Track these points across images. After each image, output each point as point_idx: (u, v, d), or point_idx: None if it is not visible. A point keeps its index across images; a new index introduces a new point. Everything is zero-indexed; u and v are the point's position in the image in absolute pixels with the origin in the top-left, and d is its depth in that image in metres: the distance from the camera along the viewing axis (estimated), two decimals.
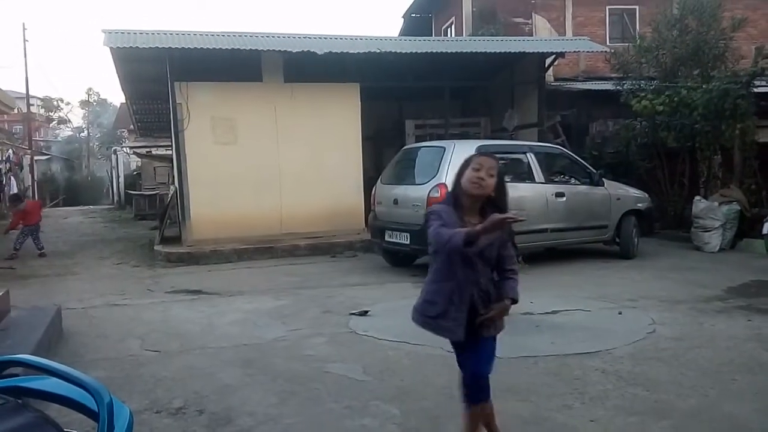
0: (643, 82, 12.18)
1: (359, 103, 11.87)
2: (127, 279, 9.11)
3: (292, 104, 11.49)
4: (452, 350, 4.83)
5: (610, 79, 13.68)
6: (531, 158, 8.97)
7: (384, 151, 14.22)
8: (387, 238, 8.83)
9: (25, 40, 32.31)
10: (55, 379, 1.62)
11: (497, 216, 2.71)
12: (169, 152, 18.31)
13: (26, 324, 5.29)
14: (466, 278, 2.90)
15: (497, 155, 3.14)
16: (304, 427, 3.67)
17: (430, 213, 3.00)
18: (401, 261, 9.18)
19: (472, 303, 2.92)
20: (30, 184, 26.12)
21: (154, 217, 17.51)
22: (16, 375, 1.75)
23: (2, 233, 12.24)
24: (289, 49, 10.87)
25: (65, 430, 1.46)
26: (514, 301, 3.00)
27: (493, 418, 3.16)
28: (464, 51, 11.91)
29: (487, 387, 3.05)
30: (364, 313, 6.34)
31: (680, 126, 11.24)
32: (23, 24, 62.60)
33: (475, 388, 3.03)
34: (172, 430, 3.66)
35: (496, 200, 2.95)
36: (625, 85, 12.38)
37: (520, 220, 2.80)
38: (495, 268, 3.01)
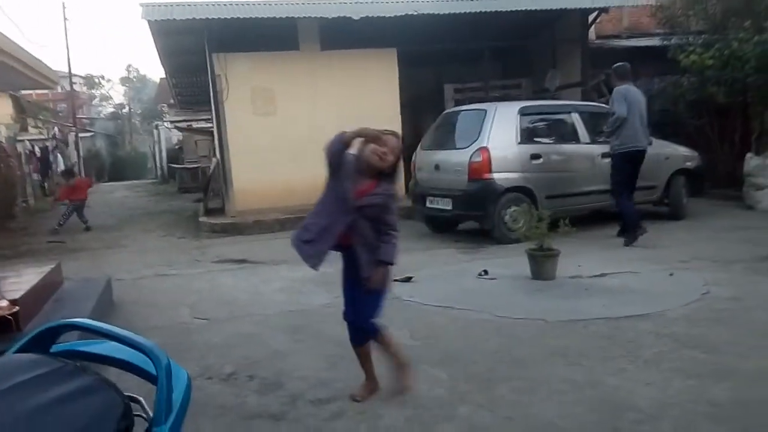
0: (690, 36, 11.69)
1: (397, 68, 11.73)
2: (174, 250, 9.27)
3: (330, 72, 11.41)
4: (501, 315, 4.79)
5: (656, 35, 13.18)
6: (576, 118, 8.74)
7: (423, 117, 14.03)
8: (428, 204, 8.76)
9: (65, 19, 32.84)
10: (112, 343, 1.62)
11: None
12: (210, 125, 18.45)
13: (79, 295, 5.42)
14: (340, 222, 3.28)
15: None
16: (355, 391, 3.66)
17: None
18: (443, 227, 9.12)
19: (351, 245, 3.32)
20: (76, 160, 26.72)
21: (197, 190, 17.77)
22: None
23: (52, 201, 12.68)
24: (324, 15, 10.75)
25: (125, 393, 1.46)
26: (388, 263, 3.36)
27: (388, 348, 3.55)
28: (504, 9, 11.59)
29: (364, 332, 3.50)
30: (408, 279, 6.31)
31: (731, 80, 10.77)
32: (63, 3, 63.51)
33: (354, 331, 3.52)
34: (224, 396, 3.71)
35: (391, 174, 3.36)
36: (672, 40, 11.90)
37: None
38: (379, 229, 3.34)
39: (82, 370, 1.45)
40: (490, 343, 4.33)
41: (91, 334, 1.58)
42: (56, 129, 24.27)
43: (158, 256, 8.80)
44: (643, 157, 7.73)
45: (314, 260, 3.35)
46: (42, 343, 1.58)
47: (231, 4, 11.14)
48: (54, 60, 74.18)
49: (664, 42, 12.10)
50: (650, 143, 7.89)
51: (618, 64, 7.96)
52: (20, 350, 1.55)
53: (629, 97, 7.46)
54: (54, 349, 1.63)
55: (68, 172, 13.91)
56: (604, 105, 10.51)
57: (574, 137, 8.66)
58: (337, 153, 3.24)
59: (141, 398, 1.53)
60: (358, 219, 3.29)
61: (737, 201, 10.25)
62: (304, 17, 10.88)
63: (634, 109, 7.44)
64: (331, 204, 3.32)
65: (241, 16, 10.47)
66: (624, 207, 7.75)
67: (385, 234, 3.34)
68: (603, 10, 12.77)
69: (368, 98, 11.49)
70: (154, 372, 1.49)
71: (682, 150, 9.71)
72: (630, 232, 7.62)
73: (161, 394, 1.42)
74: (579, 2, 12.69)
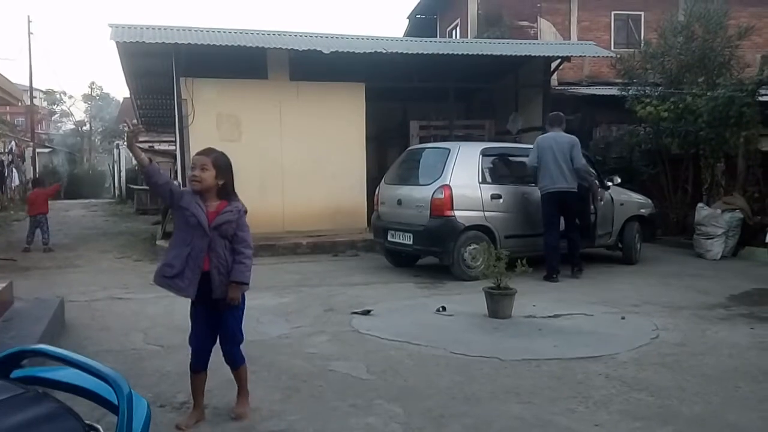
0: (648, 88, 12.18)
1: (364, 102, 11.88)
2: (130, 273, 9.12)
3: (297, 102, 11.49)
4: (457, 352, 4.83)
5: (614, 84, 13.69)
6: None
7: (387, 151, 14.23)
8: (390, 238, 8.83)
9: (29, 33, 32.29)
10: (74, 370, 1.62)
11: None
12: (173, 147, 18.29)
13: (29, 315, 5.30)
14: (201, 246, 3.44)
15: None
16: (308, 424, 3.66)
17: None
18: (403, 261, 9.18)
19: (208, 269, 3.46)
20: (32, 176, 26.07)
21: (155, 212, 17.52)
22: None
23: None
24: (295, 47, 10.87)
25: (86, 421, 1.46)
26: (240, 284, 3.52)
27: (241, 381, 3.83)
28: (470, 53, 11.90)
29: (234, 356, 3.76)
30: (367, 313, 6.34)
31: (684, 133, 11.24)
32: (28, 17, 62.41)
33: (226, 355, 3.74)
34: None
35: (227, 186, 3.58)
36: (630, 91, 12.38)
37: (139, 130, 3.55)
38: (233, 249, 3.53)
39: (43, 396, 1.45)
40: (445, 380, 4.38)
41: (54, 361, 1.58)
42: (13, 143, 23.73)
43: (113, 278, 8.64)
44: (571, 197, 8.17)
45: (189, 290, 3.47)
46: (3, 368, 1.57)
47: (202, 30, 11.18)
48: (14, 72, 72.89)
49: (623, 92, 12.58)
50: (597, 186, 8.68)
51: (552, 113, 8.74)
52: None
53: (540, 145, 8.20)
54: (15, 374, 1.62)
55: (35, 182, 13.79)
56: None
57: (533, 179, 8.86)
58: (159, 184, 3.44)
59: (99, 426, 1.54)
60: (216, 239, 3.46)
61: (687, 248, 10.60)
62: (275, 48, 10.98)
63: (545, 155, 8.10)
64: (186, 234, 3.46)
65: (212, 44, 10.51)
66: (547, 243, 8.22)
67: (238, 253, 3.51)
68: (565, 59, 13.22)
69: (335, 130, 11.60)
70: (115, 401, 1.50)
71: (637, 197, 10.04)
72: (549, 269, 8.10)
73: (122, 423, 1.43)
74: (542, 50, 13.16)
